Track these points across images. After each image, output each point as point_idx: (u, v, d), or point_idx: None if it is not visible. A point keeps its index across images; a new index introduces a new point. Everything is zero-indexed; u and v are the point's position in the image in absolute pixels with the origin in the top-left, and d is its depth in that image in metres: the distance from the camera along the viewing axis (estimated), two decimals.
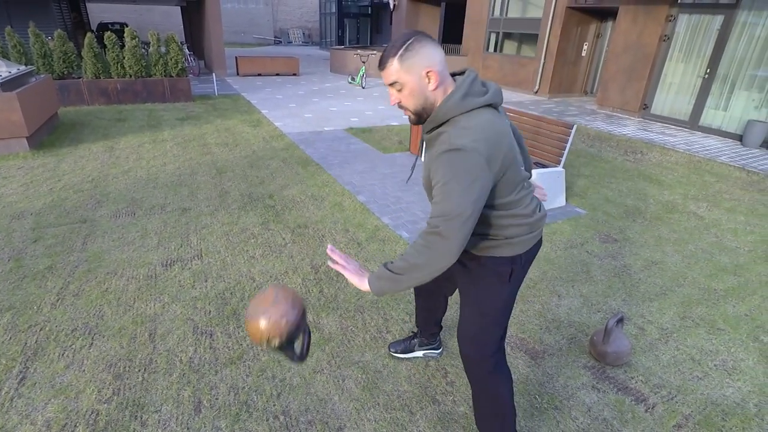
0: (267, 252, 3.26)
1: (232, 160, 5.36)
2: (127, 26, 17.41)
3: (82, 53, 7.59)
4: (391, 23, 21.92)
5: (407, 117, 1.42)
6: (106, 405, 1.95)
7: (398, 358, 2.25)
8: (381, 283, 1.31)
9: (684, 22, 8.41)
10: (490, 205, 1.35)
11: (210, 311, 2.59)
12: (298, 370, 2.16)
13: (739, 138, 7.65)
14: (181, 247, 3.30)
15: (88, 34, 7.47)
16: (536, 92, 11.82)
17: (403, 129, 7.29)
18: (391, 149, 6.09)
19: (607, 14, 11.07)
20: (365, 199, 4.28)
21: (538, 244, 1.52)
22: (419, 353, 2.25)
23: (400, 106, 1.36)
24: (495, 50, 13.23)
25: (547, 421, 1.93)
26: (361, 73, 11.60)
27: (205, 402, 1.97)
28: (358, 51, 13.64)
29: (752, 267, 3.34)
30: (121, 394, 2.00)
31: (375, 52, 13.54)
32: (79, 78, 7.79)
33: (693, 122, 8.41)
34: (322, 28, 28.01)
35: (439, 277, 1.84)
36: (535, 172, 3.99)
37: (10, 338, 2.33)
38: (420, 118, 1.35)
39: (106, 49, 7.75)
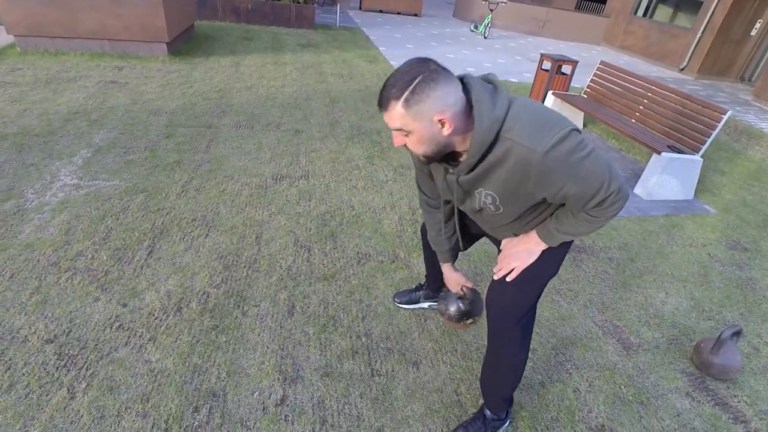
0: (368, 185, 3.34)
1: (346, 91, 5.44)
2: None
3: None
4: None
5: (418, 157, 1.22)
6: (215, 290, 2.19)
7: (402, 308, 2.21)
8: (554, 241, 1.31)
9: None
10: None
11: (311, 228, 2.74)
12: (383, 300, 2.24)
13: None
14: (291, 165, 3.49)
15: None
16: (682, 69, 10.36)
17: (521, 86, 6.85)
18: None
19: None
20: None
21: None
22: (425, 305, 2.21)
23: (407, 148, 1.18)
24: (645, 15, 11.67)
25: (629, 413, 1.83)
26: (486, 21, 10.93)
27: (298, 308, 2.13)
28: None
29: None
30: (228, 284, 2.23)
31: (506, 1, 12.60)
32: None
33: None
34: None
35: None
36: (667, 156, 3.57)
37: (143, 216, 2.67)
38: (434, 159, 1.15)
39: None
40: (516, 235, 1.40)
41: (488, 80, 1.13)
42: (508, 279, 1.37)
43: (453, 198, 1.32)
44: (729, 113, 3.49)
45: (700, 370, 2.08)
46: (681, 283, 2.73)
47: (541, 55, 5.50)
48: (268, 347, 1.91)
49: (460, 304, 1.65)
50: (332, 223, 2.83)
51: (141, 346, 1.84)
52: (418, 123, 1.04)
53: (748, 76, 10.41)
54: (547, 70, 5.52)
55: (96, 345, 1.82)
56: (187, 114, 4.15)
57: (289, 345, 1.94)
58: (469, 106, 1.07)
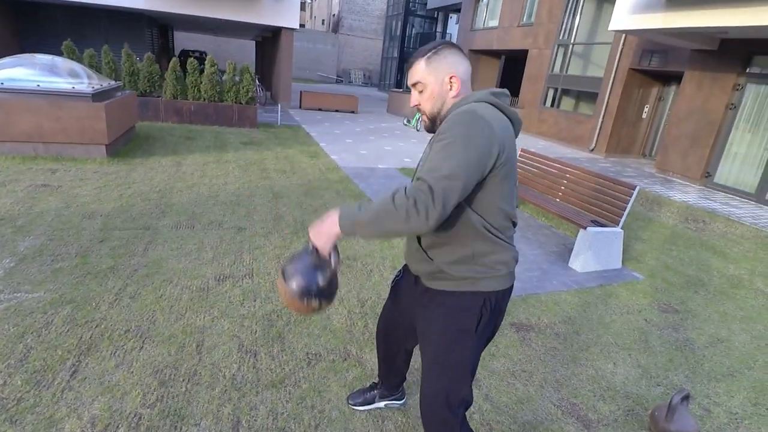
0: None
1: (289, 186, 5.55)
2: (206, 54, 18.87)
3: (165, 75, 8.25)
4: None
5: (423, 123, 1.44)
6: (149, 410, 1.97)
7: (357, 410, 2.07)
8: (349, 223, 1.21)
9: (752, 91, 8.15)
10: (481, 211, 1.26)
11: (256, 330, 2.61)
12: (338, 404, 2.11)
13: None
14: (234, 264, 3.39)
15: (173, 59, 8.15)
16: (592, 150, 11.64)
17: None
18: None
19: (670, 78, 10.90)
20: None
21: (509, 293, 1.39)
22: (381, 404, 2.09)
23: (419, 109, 1.37)
24: (552, 105, 13.25)
25: None
26: (417, 116, 11.89)
27: (243, 422, 1.96)
28: None
29: None
30: (164, 402, 2.03)
31: None
32: (159, 97, 8.44)
33: (760, 196, 7.96)
34: (383, 71, 29.19)
35: (398, 331, 1.75)
36: (592, 231, 3.87)
37: (68, 330, 2.44)
38: (434, 124, 1.36)
39: (186, 73, 8.39)
40: (415, 247, 1.41)
41: (496, 94, 1.30)
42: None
43: None
44: (637, 188, 3.90)
45: None
46: (626, 352, 2.82)
47: None
48: None
49: (319, 277, 1.32)
50: (279, 323, 2.72)
51: None
52: (433, 77, 1.30)
53: (647, 151, 11.87)
54: None
55: None
56: (123, 216, 4.01)
57: None
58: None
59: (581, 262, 3.94)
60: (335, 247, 1.37)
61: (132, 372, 2.19)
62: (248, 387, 2.16)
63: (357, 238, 1.29)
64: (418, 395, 2.19)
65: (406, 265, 1.68)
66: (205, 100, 8.70)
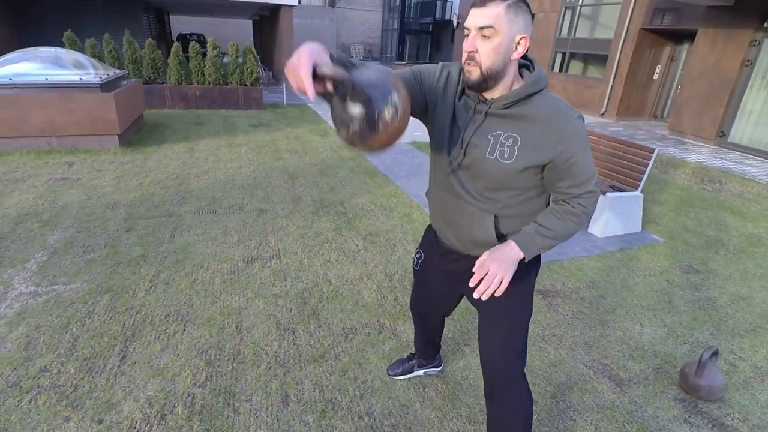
0: (341, 257, 3.36)
1: (303, 166, 5.57)
2: (204, 37, 18.59)
3: (168, 61, 8.19)
4: (452, 40, 22.10)
5: (467, 73, 1.21)
6: (200, 389, 2.07)
7: (397, 380, 2.16)
8: (535, 249, 1.28)
9: None
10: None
11: (291, 309, 2.69)
12: (379, 374, 2.20)
13: None
14: (261, 246, 3.46)
15: (175, 44, 8.06)
16: (602, 114, 11.47)
17: None
18: None
19: (683, 37, 10.61)
20: None
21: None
22: (420, 372, 2.18)
23: (470, 58, 1.17)
24: (561, 70, 12.99)
25: None
26: None
27: (292, 396, 2.05)
28: None
29: None
30: (213, 381, 2.12)
31: None
32: (163, 83, 8.40)
33: None
34: (383, 44, 28.66)
35: (435, 307, 1.79)
36: (612, 196, 3.87)
37: (110, 318, 2.53)
38: (485, 82, 1.19)
39: (189, 58, 8.32)
40: (486, 232, 1.36)
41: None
42: (496, 293, 1.22)
43: (455, 143, 1.32)
44: (656, 150, 3.88)
45: (690, 394, 2.16)
46: (651, 312, 2.88)
47: None
48: None
49: (353, 102, 0.99)
50: (312, 300, 2.80)
51: None
52: (507, 29, 1.13)
53: (659, 113, 11.67)
54: None
55: None
56: (146, 205, 4.08)
57: None
58: (524, 66, 1.29)
59: (601, 227, 3.97)
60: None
61: (178, 354, 2.28)
62: (291, 363, 2.25)
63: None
64: (456, 363, 2.27)
65: (425, 246, 1.69)
66: (209, 83, 8.65)
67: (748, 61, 8.22)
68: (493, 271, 1.21)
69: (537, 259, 1.46)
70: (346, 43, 33.93)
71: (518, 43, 1.16)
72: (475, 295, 1.22)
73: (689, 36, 10.25)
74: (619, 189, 4.01)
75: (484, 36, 1.14)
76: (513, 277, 1.26)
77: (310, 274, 3.10)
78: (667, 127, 9.89)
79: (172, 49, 8.07)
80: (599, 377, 2.27)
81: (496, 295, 1.23)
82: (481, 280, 1.24)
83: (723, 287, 3.27)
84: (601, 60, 11.56)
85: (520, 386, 1.48)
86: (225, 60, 8.83)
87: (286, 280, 3.00)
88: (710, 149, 8.51)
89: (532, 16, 1.21)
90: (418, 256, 1.73)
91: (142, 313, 2.59)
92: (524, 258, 1.27)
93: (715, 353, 2.11)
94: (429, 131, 1.42)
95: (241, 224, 3.82)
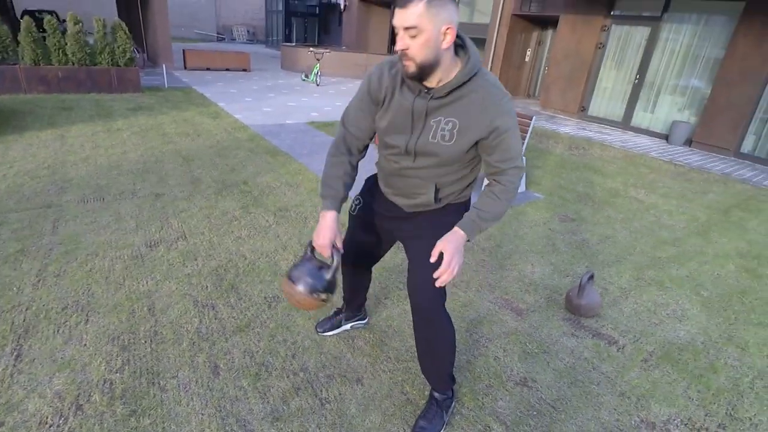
0: (253, 233, 3.30)
1: (197, 149, 5.26)
2: (55, 13, 16.23)
3: (18, 38, 7.05)
4: (340, 24, 22.01)
5: (405, 68, 1.31)
6: (118, 374, 1.94)
7: (326, 336, 2.25)
8: (477, 231, 1.47)
9: (616, 32, 9.27)
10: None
11: (207, 286, 2.61)
12: (308, 334, 2.26)
13: (666, 137, 8.56)
14: (162, 229, 3.25)
15: (26, 18, 6.96)
16: None
17: None
18: None
19: (547, 23, 11.89)
20: None
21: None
22: (347, 326, 2.29)
23: (404, 55, 1.27)
24: None
25: (540, 362, 2.18)
26: (315, 70, 11.62)
27: (221, 365, 2.02)
28: (311, 48, 13.64)
29: (687, 240, 3.84)
30: (132, 364, 2.00)
31: (329, 50, 13.59)
32: (15, 64, 7.23)
33: (625, 123, 9.28)
34: (268, 27, 27.53)
35: (369, 251, 1.92)
36: None
37: None
38: (421, 73, 1.29)
39: (46, 35, 7.26)
40: (428, 198, 1.55)
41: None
42: (445, 278, 1.39)
43: (402, 131, 1.46)
44: (534, 118, 4.39)
45: (574, 314, 2.57)
46: (539, 255, 3.31)
47: None
48: (203, 414, 1.78)
49: (325, 275, 1.54)
50: (228, 276, 2.74)
51: None
52: (431, 25, 1.21)
53: (531, 92, 13.00)
54: None
55: None
56: (15, 197, 3.56)
57: (226, 404, 1.83)
58: (458, 45, 1.36)
59: None
60: (334, 246, 1.57)
61: (85, 345, 2.10)
62: (216, 336, 2.21)
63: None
64: (380, 314, 2.41)
65: (365, 194, 1.81)
66: (74, 64, 7.64)
67: (601, 44, 9.52)
68: (449, 259, 1.38)
69: (464, 206, 1.66)
70: (227, 25, 31.97)
71: (445, 34, 1.24)
72: (438, 284, 1.42)
73: (554, 22, 11.51)
74: None
75: (411, 36, 1.23)
76: (441, 223, 1.54)
77: (222, 251, 3.01)
78: (539, 104, 11.08)
79: (23, 25, 6.95)
80: (503, 310, 2.58)
81: (448, 280, 1.41)
82: (440, 260, 1.42)
83: (593, 230, 3.87)
84: (480, 43, 12.48)
85: (445, 315, 1.65)
86: (93, 37, 7.85)
87: (196, 260, 2.88)
88: (575, 122, 9.74)
89: (457, 3, 1.36)
90: (356, 202, 1.83)
91: (33, 308, 2.32)
92: (469, 240, 1.47)
93: (592, 276, 2.53)
94: (377, 121, 1.54)
95: (136, 210, 3.53)
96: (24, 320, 2.23)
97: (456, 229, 1.47)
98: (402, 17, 1.22)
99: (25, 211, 3.36)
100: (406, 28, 1.22)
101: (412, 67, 1.29)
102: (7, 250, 2.83)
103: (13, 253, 2.81)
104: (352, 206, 1.87)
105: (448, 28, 1.23)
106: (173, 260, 2.86)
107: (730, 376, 2.23)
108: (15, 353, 2.02)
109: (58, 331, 2.17)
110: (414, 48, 1.24)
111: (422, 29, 1.21)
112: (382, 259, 2.46)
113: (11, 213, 3.31)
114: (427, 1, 1.19)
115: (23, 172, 4.11)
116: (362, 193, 1.83)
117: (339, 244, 1.58)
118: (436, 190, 1.55)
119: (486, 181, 1.55)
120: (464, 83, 1.35)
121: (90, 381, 1.90)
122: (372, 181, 1.80)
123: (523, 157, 1.52)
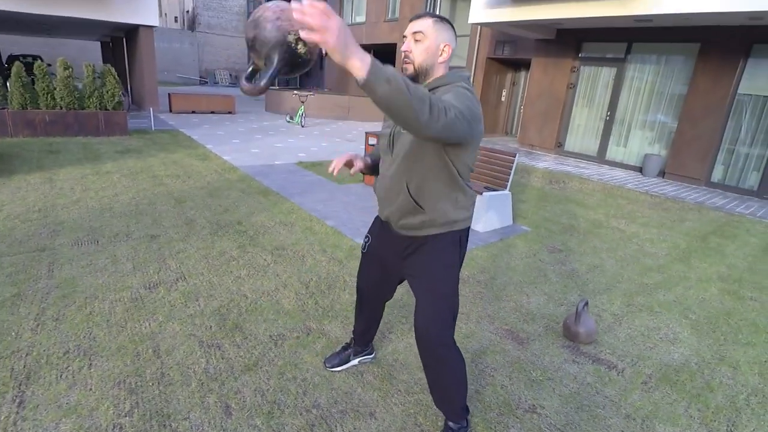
0: (252, 272, 3.32)
1: (188, 190, 5.30)
2: (40, 59, 16.38)
3: (7, 83, 7.11)
4: (321, 67, 22.73)
5: (404, 69, 1.52)
6: (128, 418, 1.92)
7: (335, 371, 2.26)
8: (378, 73, 1.11)
9: (585, 72, 9.85)
10: (459, 167, 1.54)
11: (211, 326, 2.61)
12: (317, 371, 2.27)
13: (640, 169, 8.97)
14: (161, 270, 3.25)
15: (17, 63, 7.05)
16: None
17: None
18: (346, 181, 6.37)
19: (520, 65, 12.55)
20: (334, 224, 4.48)
21: (468, 234, 1.74)
22: (355, 361, 2.31)
23: (406, 57, 1.51)
24: None
25: (546, 389, 2.23)
26: (300, 112, 11.90)
27: (233, 405, 2.02)
28: (295, 91, 14.01)
29: (671, 266, 4.01)
30: (141, 407, 1.98)
31: (313, 92, 13.97)
32: (3, 108, 7.24)
33: (600, 157, 9.71)
34: None
35: (382, 287, 1.98)
36: (488, 195, 4.48)
37: None
38: (417, 76, 1.52)
39: (35, 79, 7.33)
40: (405, 198, 1.60)
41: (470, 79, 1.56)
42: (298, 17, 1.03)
43: (390, 124, 1.65)
44: (517, 155, 4.61)
45: (572, 340, 2.65)
46: (532, 285, 3.41)
47: (366, 133, 6.33)
48: None
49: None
50: (231, 315, 2.74)
51: None
52: (434, 36, 1.48)
53: (509, 129, 13.52)
54: (374, 145, 6.35)
55: None
56: (7, 241, 3.52)
57: None
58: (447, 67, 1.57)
59: (483, 223, 4.54)
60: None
61: (90, 389, 2.07)
62: (224, 375, 2.20)
63: (366, 87, 1.12)
64: (386, 348, 2.45)
65: (373, 231, 1.93)
66: (62, 107, 7.69)
67: (572, 84, 10.08)
68: (320, 17, 1.03)
69: (461, 244, 1.69)
70: (209, 69, 32.62)
71: (443, 49, 1.51)
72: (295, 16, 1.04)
73: (526, 64, 12.16)
74: (492, 189, 4.65)
75: (416, 39, 1.49)
76: (437, 258, 1.64)
77: (223, 291, 3.02)
78: (518, 141, 11.53)
79: (14, 70, 7.03)
80: (504, 340, 2.65)
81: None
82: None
83: (581, 260, 4.01)
84: None
85: (453, 350, 1.72)
86: (83, 82, 7.95)
87: (198, 300, 2.88)
88: (552, 157, 10.15)
89: (455, 34, 1.57)
90: (366, 240, 1.96)
91: (33, 353, 2.28)
92: (366, 77, 1.11)
93: (586, 303, 2.63)
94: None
95: (132, 252, 3.53)
96: (24, 366, 2.19)
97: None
98: (413, 25, 1.50)
99: (19, 254, 3.33)
100: (414, 32, 1.49)
101: (410, 69, 1.52)
102: (2, 294, 2.79)
103: (9, 297, 2.77)
104: (363, 244, 1.98)
105: (446, 45, 1.51)
106: (174, 301, 2.86)
107: (726, 394, 2.32)
108: (17, 400, 1.98)
109: (61, 376, 2.14)
110: (416, 51, 1.50)
111: (426, 36, 1.48)
112: None
113: (4, 257, 3.27)
114: (435, 19, 1.49)
115: (13, 215, 4.08)
116: (371, 230, 1.95)
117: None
118: (408, 188, 1.57)
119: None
120: (443, 85, 1.51)
121: (99, 426, 1.87)
122: (378, 219, 1.90)
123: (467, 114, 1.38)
